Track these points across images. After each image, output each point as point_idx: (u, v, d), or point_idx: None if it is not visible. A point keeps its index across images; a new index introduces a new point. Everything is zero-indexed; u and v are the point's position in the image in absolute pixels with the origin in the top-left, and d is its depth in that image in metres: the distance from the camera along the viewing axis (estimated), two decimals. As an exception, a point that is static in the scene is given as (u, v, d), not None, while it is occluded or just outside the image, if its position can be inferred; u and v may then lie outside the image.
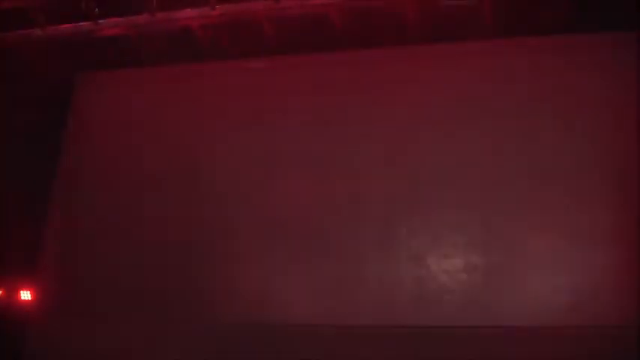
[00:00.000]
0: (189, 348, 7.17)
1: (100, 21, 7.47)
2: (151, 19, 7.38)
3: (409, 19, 7.28)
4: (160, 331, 7.32)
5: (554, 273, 6.78)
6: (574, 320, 6.59)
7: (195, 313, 7.41)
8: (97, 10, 7.48)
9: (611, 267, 6.64)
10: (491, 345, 6.58)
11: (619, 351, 6.25)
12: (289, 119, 7.64)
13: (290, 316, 7.19)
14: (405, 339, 6.81)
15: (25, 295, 8.06)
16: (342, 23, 7.37)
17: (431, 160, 7.22)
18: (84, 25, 7.52)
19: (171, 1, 7.40)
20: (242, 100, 7.75)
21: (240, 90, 7.79)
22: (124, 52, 7.86)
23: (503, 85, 7.17)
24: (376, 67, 7.51)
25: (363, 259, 7.22)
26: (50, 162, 8.07)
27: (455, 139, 7.18)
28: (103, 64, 8.09)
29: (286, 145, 7.61)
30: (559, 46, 7.12)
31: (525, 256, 6.89)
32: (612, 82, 6.91)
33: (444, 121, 7.25)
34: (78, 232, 7.98)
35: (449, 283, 7.00)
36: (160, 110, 7.97)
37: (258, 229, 7.48)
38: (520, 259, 6.90)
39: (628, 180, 6.66)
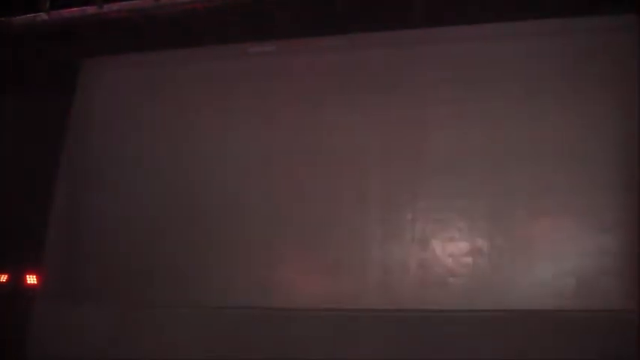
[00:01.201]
0: (193, 331, 7.20)
1: (105, 5, 7.49)
2: (155, 3, 7.39)
3: (413, 2, 7.26)
4: (164, 314, 7.36)
5: (560, 257, 6.77)
6: (579, 304, 6.58)
7: (200, 296, 7.43)
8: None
9: (616, 251, 6.62)
10: (495, 328, 6.57)
11: (624, 335, 6.23)
12: (293, 103, 7.62)
13: (293, 300, 7.20)
14: (409, 322, 6.82)
15: (31, 279, 8.12)
16: (345, 6, 7.35)
17: (436, 144, 7.20)
18: (89, 10, 7.53)
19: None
20: (246, 83, 7.72)
21: (244, 74, 7.76)
22: (128, 36, 7.85)
23: (508, 69, 7.13)
24: (381, 51, 7.47)
25: (367, 243, 7.22)
26: (55, 147, 8.08)
27: (460, 123, 7.16)
28: (108, 49, 8.08)
29: (290, 129, 7.59)
30: (563, 29, 7.07)
31: (530, 240, 6.89)
32: (617, 64, 6.85)
33: (449, 104, 7.20)
34: (82, 217, 7.99)
35: (454, 266, 7.00)
36: (165, 94, 7.95)
37: (261, 212, 7.49)
38: (525, 243, 6.89)
39: (634, 164, 6.63)
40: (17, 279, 8.22)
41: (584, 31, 7.02)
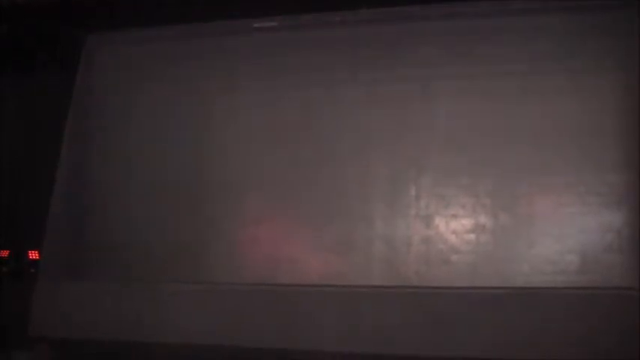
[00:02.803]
0: (197, 308, 7.15)
1: (109, -20, 7.46)
2: (160, -22, 7.38)
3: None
4: (169, 291, 7.30)
5: (563, 234, 6.79)
6: (583, 282, 6.63)
7: (203, 273, 7.46)
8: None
9: (620, 228, 6.65)
10: (498, 306, 6.53)
11: (628, 312, 6.21)
12: (296, 79, 7.61)
13: (298, 276, 7.21)
14: (412, 299, 6.79)
15: (34, 255, 8.10)
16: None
17: (440, 120, 7.18)
18: (93, -15, 7.51)
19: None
20: (251, 59, 7.70)
21: (249, 49, 7.73)
22: (132, 11, 7.79)
23: (512, 47, 7.10)
24: (386, 27, 7.42)
25: (370, 219, 7.23)
26: (57, 124, 8.00)
27: (464, 100, 7.14)
28: (111, 25, 8.01)
29: (293, 106, 7.58)
30: (566, 6, 7.03)
31: (534, 217, 6.90)
32: (620, 43, 6.81)
33: (453, 81, 7.20)
34: (86, 193, 7.99)
35: (457, 243, 7.02)
36: (169, 70, 7.92)
37: (266, 189, 7.50)
38: (528, 220, 6.90)
39: (637, 141, 6.61)
40: (19, 256, 8.21)
41: (587, 9, 6.97)
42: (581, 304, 6.37)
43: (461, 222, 7.05)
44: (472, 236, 7.00)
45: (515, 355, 6.25)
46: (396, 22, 7.42)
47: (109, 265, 7.65)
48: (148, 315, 7.21)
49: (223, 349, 6.81)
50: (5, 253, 8.23)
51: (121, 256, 7.61)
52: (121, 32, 8.12)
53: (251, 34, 7.74)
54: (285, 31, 7.66)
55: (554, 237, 6.82)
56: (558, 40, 7.01)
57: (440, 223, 7.09)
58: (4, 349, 7.34)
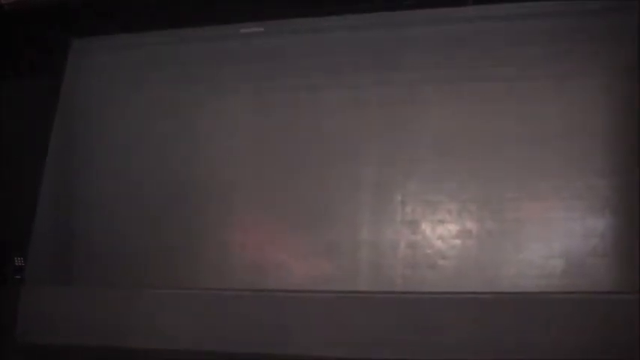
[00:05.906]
0: (185, 313, 7.14)
1: (95, -15, 7.43)
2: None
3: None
4: (155, 296, 7.29)
5: (549, 239, 6.85)
6: (568, 286, 6.66)
7: (191, 278, 7.47)
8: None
9: (605, 232, 6.71)
10: (485, 311, 6.55)
11: (613, 317, 6.23)
12: (283, 83, 7.64)
13: (284, 281, 7.25)
14: (398, 304, 6.81)
15: (19, 261, 8.05)
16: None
17: (427, 125, 7.22)
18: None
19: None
20: (237, 64, 7.73)
21: (235, 55, 7.76)
22: (117, 17, 7.78)
23: (501, 51, 7.14)
24: (373, 32, 7.45)
25: (357, 225, 7.26)
26: (45, 128, 8.00)
27: (451, 105, 7.18)
28: (97, 30, 8.03)
29: (280, 110, 7.61)
30: (559, 11, 7.09)
31: (520, 222, 6.94)
32: (614, 48, 6.87)
33: (441, 86, 7.24)
34: (71, 199, 7.99)
35: (443, 248, 7.05)
36: (155, 76, 7.94)
37: (252, 194, 7.52)
38: (514, 225, 6.94)
39: (624, 144, 6.70)
40: (4, 263, 8.15)
41: (582, 13, 7.01)
42: (570, 309, 6.35)
43: (447, 227, 7.08)
44: (458, 241, 7.04)
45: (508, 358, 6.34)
46: (383, 27, 7.44)
47: (95, 271, 7.65)
48: (135, 320, 7.18)
49: (211, 355, 6.81)
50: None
51: (107, 262, 7.60)
52: (108, 37, 8.12)
53: (238, 40, 7.76)
54: (271, 36, 7.67)
55: (539, 241, 6.87)
56: (549, 45, 7.04)
57: (426, 228, 7.12)
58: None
